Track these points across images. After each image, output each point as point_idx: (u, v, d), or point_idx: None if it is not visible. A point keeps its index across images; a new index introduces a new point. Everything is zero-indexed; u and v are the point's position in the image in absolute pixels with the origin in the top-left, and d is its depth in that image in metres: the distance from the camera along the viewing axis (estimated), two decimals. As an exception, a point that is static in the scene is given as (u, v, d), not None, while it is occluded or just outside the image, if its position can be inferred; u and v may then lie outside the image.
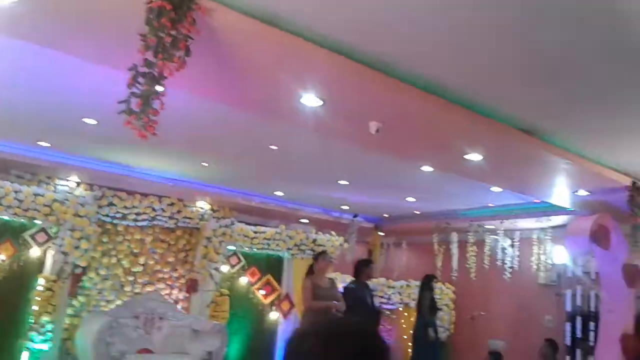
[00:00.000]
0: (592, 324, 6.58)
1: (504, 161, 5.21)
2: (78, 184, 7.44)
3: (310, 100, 3.82)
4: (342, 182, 7.27)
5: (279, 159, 6.32)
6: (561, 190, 6.23)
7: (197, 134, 5.64)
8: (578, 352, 6.60)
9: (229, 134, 5.58)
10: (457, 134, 4.48)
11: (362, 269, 6.78)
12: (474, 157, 5.06)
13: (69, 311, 7.43)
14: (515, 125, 4.54)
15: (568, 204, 6.88)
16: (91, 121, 5.26)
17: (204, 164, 6.77)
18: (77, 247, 6.81)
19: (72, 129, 5.52)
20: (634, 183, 5.87)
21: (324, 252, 6.27)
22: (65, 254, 6.76)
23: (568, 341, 6.60)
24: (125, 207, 7.73)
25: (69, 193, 7.01)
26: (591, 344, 6.48)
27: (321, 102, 3.84)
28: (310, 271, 6.06)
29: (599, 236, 6.14)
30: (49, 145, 6.40)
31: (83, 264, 6.89)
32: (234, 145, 5.96)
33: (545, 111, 4.26)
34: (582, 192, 6.18)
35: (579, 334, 6.73)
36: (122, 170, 7.37)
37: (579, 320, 6.83)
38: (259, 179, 7.43)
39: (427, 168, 6.23)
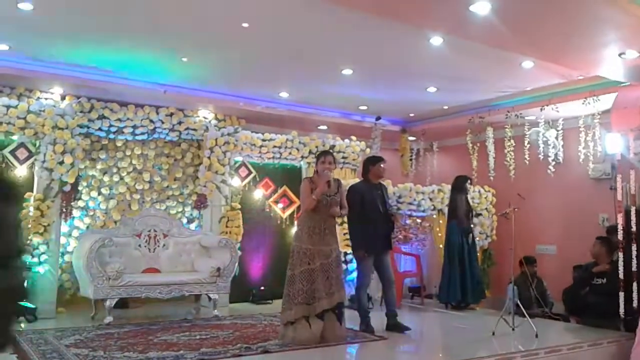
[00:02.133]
0: (650, 217, 5.56)
1: (519, 9, 4.13)
2: (63, 96, 6.83)
3: None
4: (346, 71, 6.34)
5: (259, 42, 5.45)
6: (605, 54, 5.09)
7: (158, 17, 4.83)
8: (634, 248, 5.62)
9: (191, 14, 4.75)
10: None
11: (368, 167, 5.90)
12: (481, 7, 4.02)
13: (75, 233, 7.09)
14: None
15: (618, 75, 5.70)
16: (27, 6, 4.53)
17: (183, 59, 5.98)
18: (61, 163, 6.29)
19: (5, 17, 4.84)
20: (697, 32, 4.67)
21: (322, 152, 5.45)
22: (49, 170, 6.26)
23: (620, 236, 5.61)
24: (119, 120, 7.13)
25: (47, 105, 6.41)
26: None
27: None
28: (313, 174, 5.31)
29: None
30: (6, 47, 5.75)
31: (70, 180, 6.38)
32: (202, 29, 5.12)
33: None
34: (632, 54, 5.03)
35: (633, 227, 5.71)
36: (110, 78, 6.70)
37: (633, 212, 5.79)
38: (247, 72, 6.59)
39: (436, 40, 5.21)
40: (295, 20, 4.91)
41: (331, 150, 7.61)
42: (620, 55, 5.04)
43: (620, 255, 5.49)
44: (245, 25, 4.92)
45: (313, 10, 4.57)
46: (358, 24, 4.85)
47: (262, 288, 7.78)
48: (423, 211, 8.04)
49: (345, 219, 6.03)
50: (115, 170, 7.48)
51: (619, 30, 4.53)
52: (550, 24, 4.42)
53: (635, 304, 5.33)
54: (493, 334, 5.42)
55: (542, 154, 7.55)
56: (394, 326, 5.60)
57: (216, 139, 7.47)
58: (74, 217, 6.98)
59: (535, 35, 4.71)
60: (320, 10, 4.49)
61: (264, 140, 7.88)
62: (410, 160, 9.30)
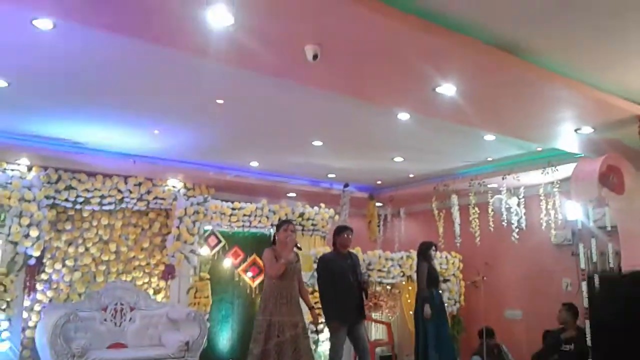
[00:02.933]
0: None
1: (482, 92, 4.37)
2: (29, 167, 6.76)
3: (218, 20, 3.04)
4: (316, 143, 6.50)
5: (232, 116, 5.57)
6: (561, 129, 5.37)
7: (131, 91, 4.91)
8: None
9: (167, 89, 4.85)
10: (418, 54, 3.65)
11: (334, 237, 6.02)
12: (447, 89, 4.23)
13: (37, 307, 6.85)
14: (489, 41, 3.72)
15: (573, 148, 6.01)
16: (1, 83, 4.56)
17: (155, 131, 6.04)
18: (26, 236, 6.16)
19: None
20: (644, 112, 5.00)
21: (284, 221, 5.53)
22: (14, 243, 6.12)
23: (586, 303, 5.77)
24: (87, 190, 7.08)
25: (13, 176, 6.33)
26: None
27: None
28: (272, 243, 5.33)
29: (610, 179, 5.28)
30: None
31: (36, 253, 6.24)
32: (177, 103, 5.23)
33: (526, 22, 3.45)
34: (586, 130, 5.33)
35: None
36: (78, 149, 6.67)
37: (596, 279, 5.99)
38: (219, 144, 6.68)
39: (403, 116, 5.44)
40: (268, 98, 5.06)
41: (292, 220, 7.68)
42: (576, 130, 5.33)
43: (587, 322, 5.62)
44: (219, 101, 5.04)
45: (286, 89, 4.72)
46: (329, 100, 5.03)
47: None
48: (392, 278, 8.10)
49: (317, 287, 6.05)
50: (80, 241, 7.35)
51: (575, 109, 4.82)
52: (510, 104, 4.67)
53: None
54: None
55: (506, 220, 7.77)
56: None
57: (185, 209, 7.47)
58: (36, 291, 6.77)
59: (497, 114, 4.96)
60: (292, 89, 4.64)
61: (233, 209, 7.91)
62: (378, 226, 9.41)
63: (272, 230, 8.17)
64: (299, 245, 5.42)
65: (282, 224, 5.34)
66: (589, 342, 5.54)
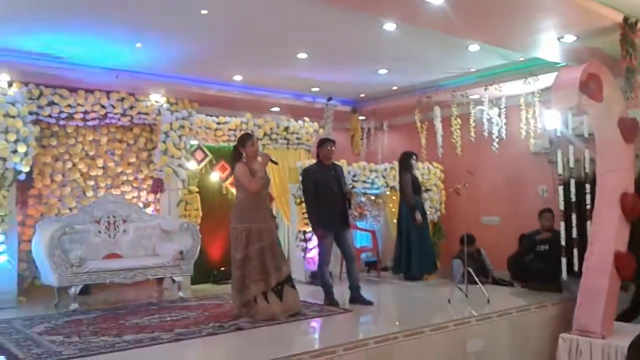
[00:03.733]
0: (587, 187, 6.03)
1: (470, 0, 4.39)
2: (10, 83, 6.65)
3: None
4: (300, 55, 6.48)
5: (216, 28, 5.52)
6: (545, 37, 5.45)
7: (112, 3, 4.82)
8: (573, 217, 6.11)
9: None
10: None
11: (317, 150, 6.18)
12: (436, -4, 4.25)
13: (29, 222, 6.98)
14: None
15: (556, 57, 6.12)
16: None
17: (137, 44, 5.95)
18: (14, 151, 6.17)
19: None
20: (625, 19, 5.09)
21: (248, 135, 5.61)
22: (2, 159, 6.14)
23: (561, 206, 6.07)
24: (70, 106, 7.01)
25: (-4, 93, 6.26)
26: (587, 207, 5.97)
27: None
28: (238, 158, 5.42)
29: (590, 87, 5.42)
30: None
31: (25, 169, 6.27)
32: (160, 15, 5.14)
33: None
34: (569, 38, 5.43)
35: (572, 198, 6.19)
36: (58, 64, 6.55)
37: (572, 184, 6.26)
38: (202, 58, 6.61)
39: (389, 26, 5.44)
40: (252, 8, 5.00)
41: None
42: (559, 39, 5.42)
43: (562, 224, 5.94)
44: (204, 12, 4.97)
45: (272, -1, 4.69)
46: (315, 11, 5.01)
47: (223, 269, 7.92)
48: (377, 189, 8.35)
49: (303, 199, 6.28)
50: (67, 157, 7.37)
51: (558, 17, 4.89)
52: (496, 12, 4.72)
53: (575, 268, 5.80)
54: (449, 301, 5.82)
55: (487, 131, 7.97)
56: (357, 299, 5.89)
57: (171, 123, 7.49)
58: (27, 206, 6.87)
59: (483, 22, 5.00)
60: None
61: (218, 123, 7.96)
62: (362, 139, 9.55)
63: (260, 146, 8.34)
64: (274, 159, 5.55)
65: (248, 138, 5.45)
66: (562, 243, 5.88)
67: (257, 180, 5.26)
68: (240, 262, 5.17)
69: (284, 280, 5.26)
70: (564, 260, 5.78)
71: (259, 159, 5.47)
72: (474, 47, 6.25)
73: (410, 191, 7.63)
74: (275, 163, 5.71)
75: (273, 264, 5.21)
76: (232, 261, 5.32)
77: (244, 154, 5.40)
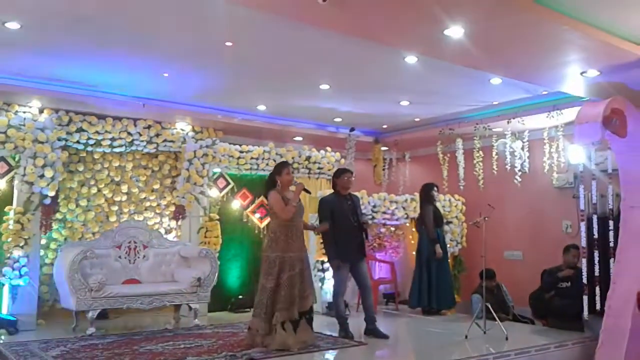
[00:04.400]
0: (611, 224, 5.91)
1: (490, 33, 4.41)
2: (41, 110, 6.86)
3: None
4: (323, 86, 6.57)
5: (241, 59, 5.63)
6: (567, 72, 5.41)
7: (140, 34, 4.97)
8: (596, 254, 5.98)
9: (176, 31, 4.91)
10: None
11: (334, 180, 6.21)
12: (455, 31, 4.28)
13: (53, 245, 7.11)
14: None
15: (579, 91, 6.07)
16: (14, 25, 4.62)
17: (164, 74, 6.11)
18: (41, 176, 6.33)
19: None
20: (650, 54, 5.03)
21: (285, 163, 5.70)
22: (29, 183, 6.30)
23: (583, 243, 5.95)
24: (97, 133, 7.18)
25: (26, 118, 6.45)
26: (611, 244, 5.84)
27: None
28: (273, 185, 5.47)
29: (613, 123, 5.36)
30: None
31: (51, 193, 6.43)
32: (187, 46, 5.29)
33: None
34: (592, 73, 5.37)
35: (595, 234, 6.07)
36: (88, 92, 6.75)
37: (595, 220, 6.15)
38: (227, 88, 6.76)
39: (410, 58, 5.48)
40: (276, 40, 5.11)
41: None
42: (581, 73, 5.38)
43: (584, 261, 5.82)
44: (228, 44, 5.09)
45: (295, 31, 4.77)
46: (337, 42, 5.07)
47: (241, 297, 7.92)
48: (397, 220, 8.31)
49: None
50: (92, 182, 7.52)
51: (581, 52, 4.85)
52: (517, 46, 4.72)
53: (597, 306, 5.66)
54: (466, 337, 5.70)
55: (509, 164, 7.91)
56: (372, 331, 5.82)
57: (195, 151, 7.61)
58: (52, 230, 7.01)
59: (504, 56, 5.01)
60: (301, 30, 4.69)
61: (241, 152, 8.05)
62: (383, 170, 9.56)
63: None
64: (307, 189, 5.59)
65: (284, 167, 5.50)
66: (584, 280, 5.75)
67: (289, 209, 5.29)
68: (271, 291, 5.16)
69: (306, 312, 5.24)
70: (585, 298, 5.65)
71: (293, 188, 5.51)
72: (495, 80, 6.25)
73: (432, 223, 7.58)
74: (308, 192, 5.77)
75: (300, 293, 5.22)
76: (260, 288, 5.30)
77: (278, 182, 5.45)
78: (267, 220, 8.31)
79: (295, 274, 5.22)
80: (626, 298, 5.19)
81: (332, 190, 6.33)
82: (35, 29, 4.82)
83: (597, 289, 5.72)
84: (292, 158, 8.35)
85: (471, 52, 4.68)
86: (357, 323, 6.05)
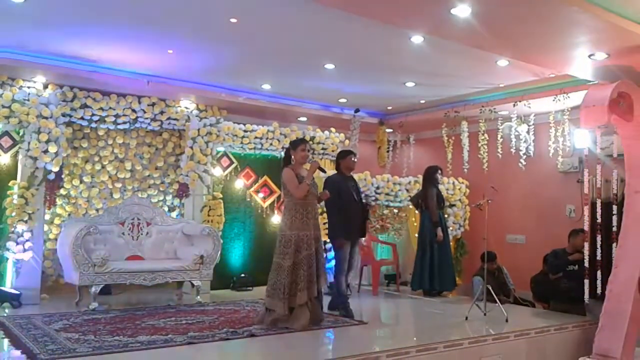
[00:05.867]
0: (614, 209, 5.89)
1: (498, 12, 4.36)
2: (45, 85, 6.84)
3: None
4: (328, 65, 6.52)
5: (246, 36, 5.58)
6: (575, 54, 5.36)
7: (145, 10, 4.94)
8: (598, 239, 5.97)
9: (181, 7, 4.87)
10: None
11: (338, 161, 6.24)
12: (462, 10, 4.23)
13: (57, 221, 7.14)
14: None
15: (587, 74, 6.01)
16: (18, -2, 4.60)
17: (169, 51, 6.08)
18: (45, 151, 6.34)
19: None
20: (659, 37, 4.96)
21: (301, 139, 5.62)
22: (33, 158, 6.31)
23: (586, 227, 5.94)
24: (102, 109, 7.18)
25: (30, 94, 6.44)
26: (614, 229, 5.83)
27: None
28: (288, 161, 5.43)
29: (620, 106, 5.32)
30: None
31: (55, 168, 6.43)
32: (191, 22, 5.24)
33: None
34: (600, 55, 5.32)
35: (599, 219, 6.06)
36: (92, 68, 6.73)
37: (598, 204, 6.13)
38: (232, 66, 6.73)
39: (416, 38, 5.43)
40: (282, 17, 5.07)
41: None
42: (589, 56, 5.32)
43: (586, 245, 5.81)
44: (233, 20, 5.05)
45: (300, 8, 4.73)
46: (343, 21, 5.02)
47: (243, 275, 7.96)
48: (400, 202, 8.31)
49: (325, 207, 6.28)
50: (97, 158, 7.53)
51: (590, 34, 4.80)
52: (525, 26, 4.66)
53: (599, 290, 5.66)
54: (466, 318, 5.72)
55: (514, 147, 7.87)
56: (339, 306, 5.87)
57: (199, 130, 7.59)
58: (56, 205, 7.04)
59: (511, 36, 4.95)
60: (307, 8, 4.65)
61: (245, 131, 8.03)
62: (388, 152, 9.53)
63: (283, 153, 8.37)
64: (323, 167, 5.53)
65: (299, 143, 5.38)
66: (586, 264, 5.74)
67: (303, 187, 5.17)
68: (290, 269, 5.08)
69: (320, 290, 5.25)
70: (586, 282, 5.65)
71: (307, 166, 5.43)
72: (502, 62, 6.20)
73: (435, 206, 7.55)
74: (324, 171, 5.70)
75: (317, 272, 5.19)
76: (275, 267, 5.18)
77: (293, 158, 5.41)
78: (270, 200, 8.38)
79: (312, 253, 5.16)
80: (627, 282, 5.17)
81: (335, 172, 6.34)
82: (39, 3, 4.79)
83: (599, 274, 5.72)
84: (296, 138, 8.32)
85: (478, 32, 4.64)
86: (358, 303, 6.08)
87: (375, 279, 7.76)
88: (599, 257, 5.80)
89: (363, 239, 6.48)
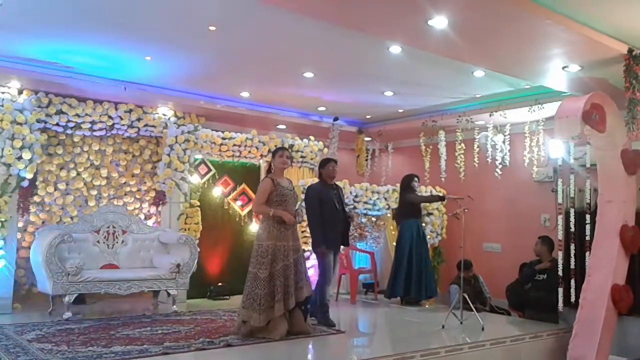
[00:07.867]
0: (587, 218, 6.00)
1: (474, 25, 4.42)
2: (20, 90, 6.74)
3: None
4: (307, 74, 6.53)
5: (225, 44, 5.58)
6: (549, 66, 5.46)
7: (123, 16, 4.90)
8: (572, 247, 6.07)
9: (160, 14, 4.85)
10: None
11: (320, 169, 6.24)
12: (439, 22, 4.29)
13: (30, 228, 7.02)
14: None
15: (561, 86, 6.13)
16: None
17: (147, 57, 6.03)
18: (19, 158, 6.24)
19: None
20: (630, 51, 5.09)
21: (281, 148, 5.64)
22: (7, 165, 6.20)
23: (560, 236, 6.03)
24: (77, 115, 7.09)
25: (4, 99, 6.34)
26: (587, 238, 5.93)
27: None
28: (268, 170, 5.47)
29: (593, 117, 5.42)
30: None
31: (29, 175, 6.33)
32: (170, 29, 5.22)
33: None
34: (574, 67, 5.43)
35: (572, 228, 6.16)
36: (68, 74, 6.65)
37: (572, 213, 6.24)
38: (210, 73, 6.69)
39: (395, 49, 5.48)
40: (261, 25, 5.06)
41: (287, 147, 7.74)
42: (563, 68, 5.43)
43: (560, 253, 5.90)
44: (212, 28, 5.04)
45: (279, 17, 4.73)
46: (322, 30, 5.03)
47: (220, 284, 7.91)
48: (378, 210, 8.34)
49: (305, 217, 6.26)
50: (72, 165, 7.43)
51: (564, 46, 4.90)
52: (500, 38, 4.75)
53: (572, 299, 5.74)
54: (443, 327, 5.76)
55: (490, 157, 7.97)
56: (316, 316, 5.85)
57: (176, 137, 7.55)
58: (29, 213, 6.92)
59: (487, 47, 5.03)
60: (286, 16, 4.65)
61: (223, 138, 8.00)
62: (366, 160, 9.56)
63: (262, 161, 8.36)
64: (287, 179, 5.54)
65: (278, 150, 5.43)
66: (560, 272, 5.83)
67: (263, 209, 5.21)
68: (266, 280, 5.04)
69: (301, 303, 5.20)
70: (560, 290, 5.73)
71: (287, 173, 5.49)
72: (479, 73, 6.28)
73: (417, 197, 7.63)
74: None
75: (294, 284, 5.14)
76: (251, 278, 5.13)
77: (272, 166, 5.41)
78: (248, 208, 8.35)
79: (289, 264, 5.14)
80: (601, 291, 5.27)
81: (316, 179, 6.35)
82: (13, 7, 4.72)
83: (573, 282, 5.81)
84: (275, 146, 8.31)
85: (455, 43, 4.71)
86: (336, 312, 6.07)
87: (354, 287, 7.77)
88: (572, 266, 5.89)
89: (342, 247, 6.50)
